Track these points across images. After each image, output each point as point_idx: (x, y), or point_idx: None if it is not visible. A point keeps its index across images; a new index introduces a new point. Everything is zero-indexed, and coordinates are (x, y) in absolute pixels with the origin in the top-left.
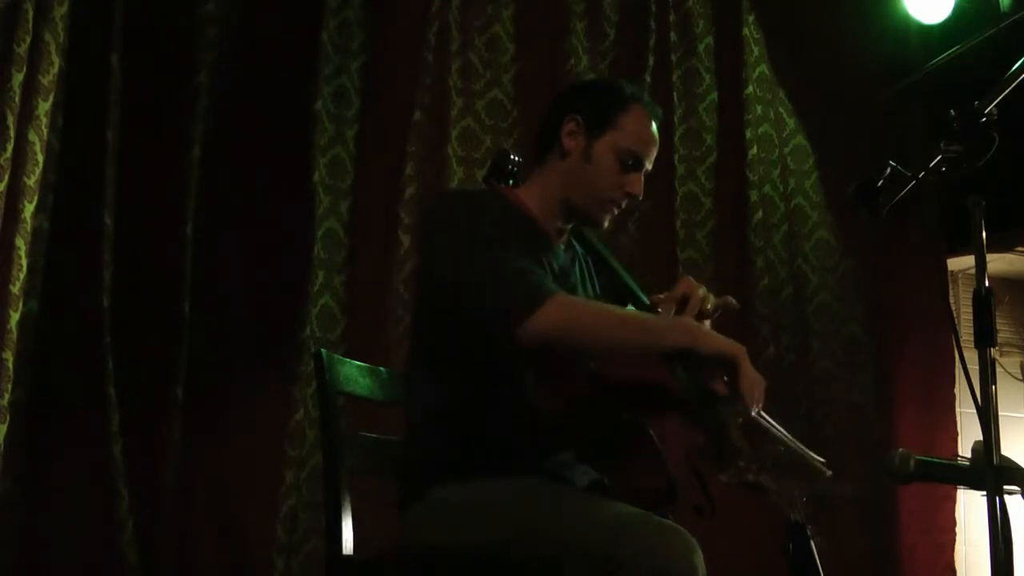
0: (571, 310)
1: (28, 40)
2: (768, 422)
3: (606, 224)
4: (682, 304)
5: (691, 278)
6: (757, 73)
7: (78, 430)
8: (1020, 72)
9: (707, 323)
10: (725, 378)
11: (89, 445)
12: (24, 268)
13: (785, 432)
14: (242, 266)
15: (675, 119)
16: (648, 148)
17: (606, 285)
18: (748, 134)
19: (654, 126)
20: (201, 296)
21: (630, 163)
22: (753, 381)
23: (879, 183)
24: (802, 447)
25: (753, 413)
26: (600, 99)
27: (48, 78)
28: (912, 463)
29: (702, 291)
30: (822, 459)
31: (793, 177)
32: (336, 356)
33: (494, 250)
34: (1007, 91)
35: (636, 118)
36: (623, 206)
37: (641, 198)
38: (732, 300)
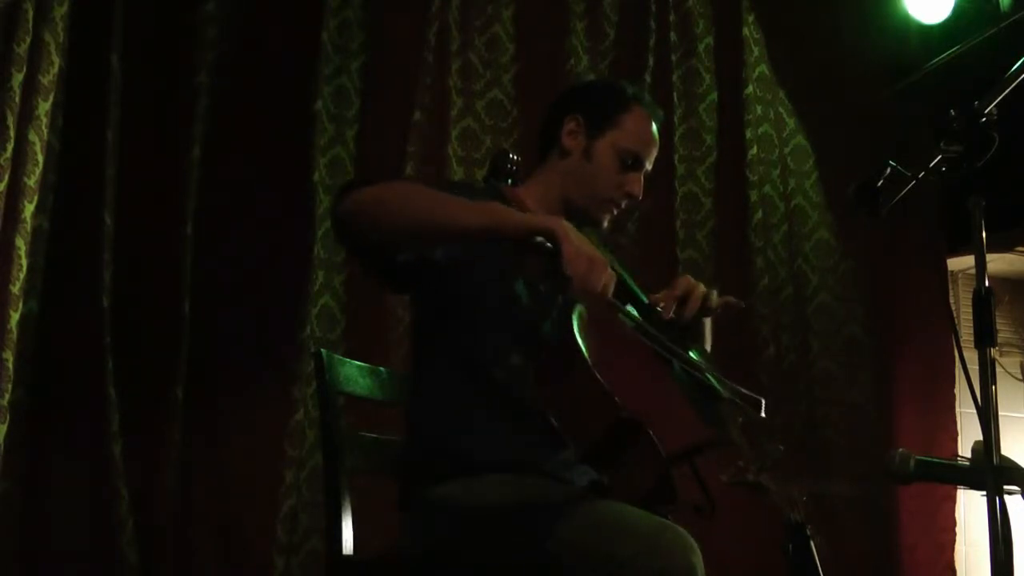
0: (382, 187)
1: (28, 40)
2: (633, 316)
3: (606, 223)
4: (682, 302)
5: (690, 276)
6: (757, 73)
7: (78, 430)
8: (1020, 72)
9: (708, 321)
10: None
11: (89, 445)
12: (24, 268)
13: (673, 344)
14: (242, 266)
15: (675, 119)
16: (648, 148)
17: None
18: (748, 134)
19: (654, 127)
20: (201, 296)
21: (630, 163)
22: (580, 255)
23: (879, 183)
24: (715, 372)
25: (579, 292)
26: (601, 99)
27: (48, 78)
28: (912, 463)
29: (701, 288)
30: (746, 392)
31: (793, 177)
32: (336, 356)
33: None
34: (1007, 91)
35: (637, 118)
36: (623, 206)
37: (641, 198)
38: (733, 299)
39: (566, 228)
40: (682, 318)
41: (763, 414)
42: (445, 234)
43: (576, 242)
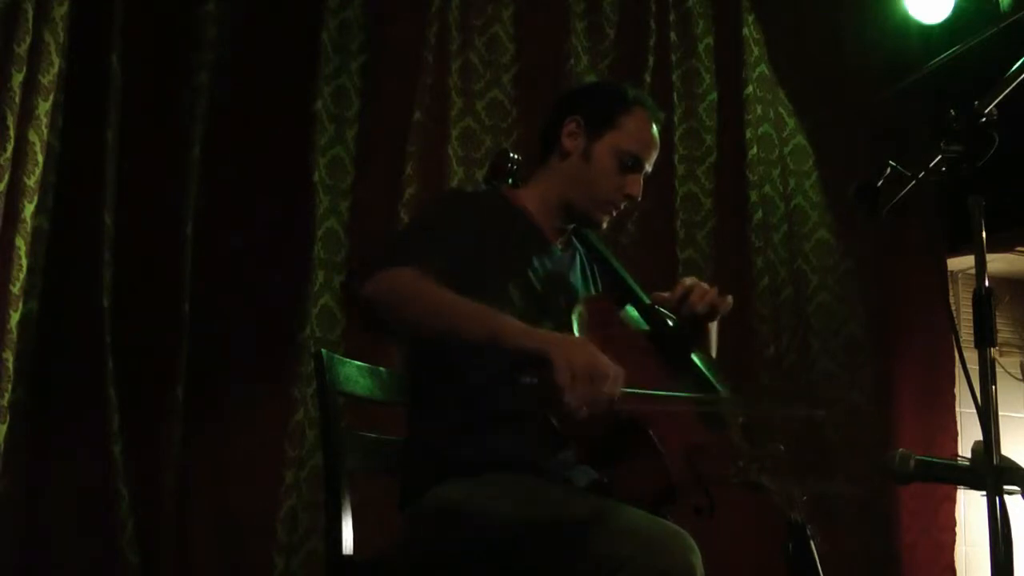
0: (400, 282)
1: (28, 40)
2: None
3: (604, 225)
4: (685, 295)
5: (694, 278)
6: (757, 73)
7: (78, 430)
8: (1020, 72)
9: (713, 326)
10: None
11: (89, 445)
12: (24, 268)
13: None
14: (242, 266)
15: (675, 119)
16: (648, 150)
17: (607, 285)
18: (748, 134)
19: (655, 128)
20: (201, 296)
21: (629, 164)
22: (573, 374)
23: (879, 183)
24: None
25: (578, 414)
26: (601, 100)
27: (48, 78)
28: (912, 463)
29: (705, 285)
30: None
31: (793, 177)
32: (336, 356)
33: (432, 225)
34: (1007, 91)
35: (637, 120)
36: (622, 207)
37: (640, 200)
38: (728, 301)
39: (557, 353)
40: (690, 309)
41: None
42: (452, 340)
43: (570, 363)
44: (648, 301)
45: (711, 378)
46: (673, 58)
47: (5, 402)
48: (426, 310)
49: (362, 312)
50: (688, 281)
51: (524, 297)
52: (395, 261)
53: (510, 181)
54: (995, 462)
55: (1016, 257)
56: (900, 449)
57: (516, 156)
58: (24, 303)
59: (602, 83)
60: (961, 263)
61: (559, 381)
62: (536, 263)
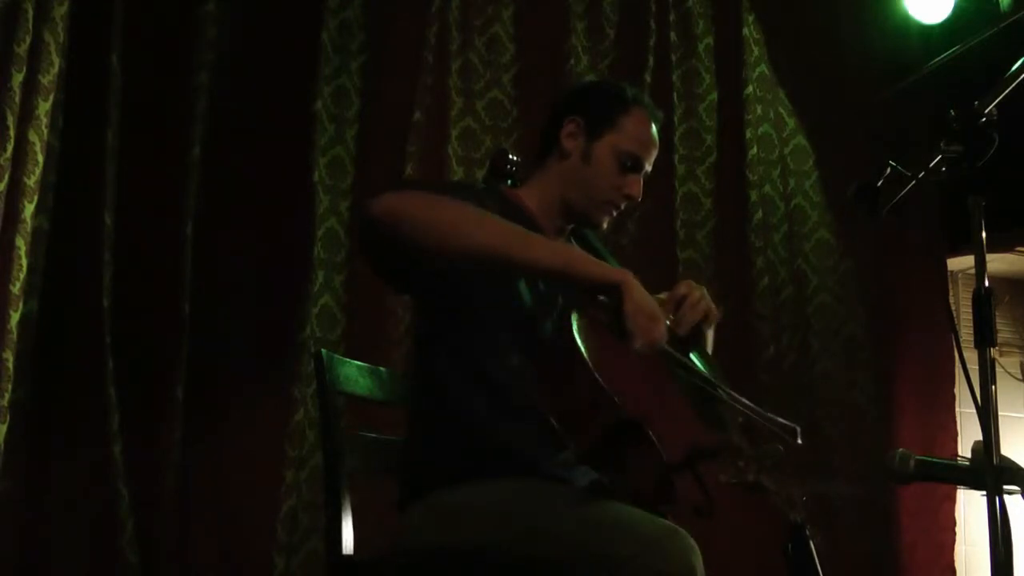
0: (421, 197)
1: (28, 40)
2: (683, 363)
3: (604, 225)
4: (678, 304)
5: (692, 281)
6: (757, 73)
7: (78, 430)
8: (1020, 72)
9: (710, 335)
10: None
11: (89, 445)
12: (24, 268)
13: (718, 382)
14: (242, 266)
15: (675, 119)
16: (648, 150)
17: None
18: (748, 134)
19: (654, 129)
20: (201, 296)
21: (629, 165)
22: (640, 310)
23: (879, 183)
24: (752, 405)
25: (639, 347)
26: (601, 101)
27: (48, 78)
28: (912, 463)
29: (700, 292)
30: (782, 420)
31: (793, 177)
32: (336, 356)
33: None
34: (1007, 91)
35: (636, 120)
36: (621, 208)
37: (640, 200)
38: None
39: (630, 284)
40: (679, 327)
41: (799, 441)
42: (512, 265)
43: (637, 299)
44: None
45: (712, 378)
46: (673, 58)
47: (5, 402)
48: (486, 232)
49: (367, 231)
50: (682, 289)
51: (531, 293)
52: (401, 185)
53: (509, 181)
54: (995, 462)
55: (1016, 257)
56: (900, 449)
57: (515, 156)
58: (24, 303)
59: (601, 82)
60: (961, 263)
61: (627, 309)
62: None
